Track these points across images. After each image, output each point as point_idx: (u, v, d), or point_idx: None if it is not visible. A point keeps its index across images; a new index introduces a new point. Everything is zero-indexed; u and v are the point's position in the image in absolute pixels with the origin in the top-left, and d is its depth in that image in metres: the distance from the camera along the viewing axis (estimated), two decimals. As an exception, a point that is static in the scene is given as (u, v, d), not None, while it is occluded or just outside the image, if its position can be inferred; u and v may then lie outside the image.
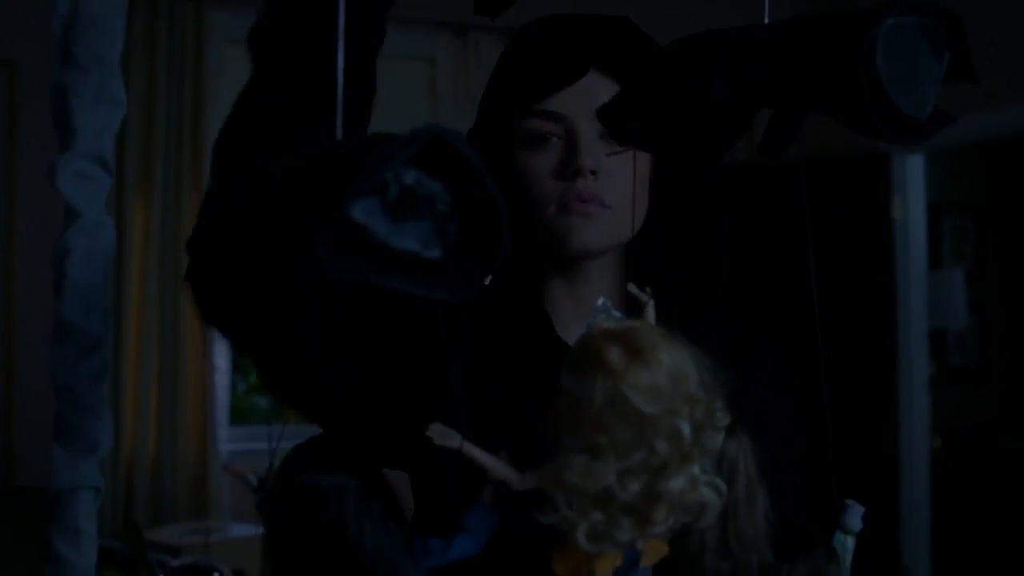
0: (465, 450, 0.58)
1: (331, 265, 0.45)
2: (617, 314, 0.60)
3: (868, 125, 0.55)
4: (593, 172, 0.99)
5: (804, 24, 0.57)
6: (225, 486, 3.74)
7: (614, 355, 0.55)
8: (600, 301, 0.60)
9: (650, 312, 0.64)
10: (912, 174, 4.48)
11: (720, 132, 0.94)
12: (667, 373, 0.56)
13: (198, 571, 1.72)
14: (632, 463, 0.55)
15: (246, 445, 3.99)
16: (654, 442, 0.55)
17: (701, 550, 0.64)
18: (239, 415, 4.21)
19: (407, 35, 4.13)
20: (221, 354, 3.78)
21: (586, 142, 0.99)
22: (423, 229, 0.48)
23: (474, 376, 1.00)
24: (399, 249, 0.49)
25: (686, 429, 0.56)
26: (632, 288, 0.65)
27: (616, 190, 1.00)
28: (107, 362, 0.64)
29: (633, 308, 0.66)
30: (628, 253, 1.07)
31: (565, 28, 1.04)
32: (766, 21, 0.61)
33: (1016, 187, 5.91)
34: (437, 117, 4.14)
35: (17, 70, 3.56)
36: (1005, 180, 5.96)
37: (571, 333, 1.05)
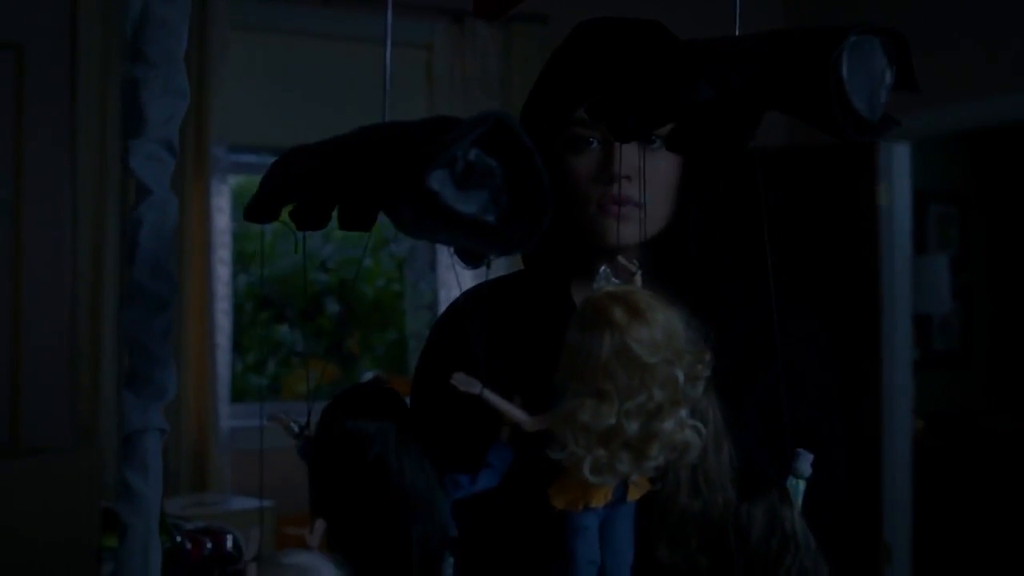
0: (484, 396, 0.69)
1: (411, 226, 0.56)
2: (615, 280, 0.70)
3: (831, 124, 0.65)
4: (627, 177, 1.09)
5: (778, 37, 0.66)
6: (226, 461, 3.83)
7: (618, 313, 0.65)
8: (602, 269, 0.70)
9: (637, 280, 0.73)
10: (898, 162, 4.57)
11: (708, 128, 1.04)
12: (662, 329, 0.66)
13: (212, 532, 1.81)
14: (632, 406, 0.65)
15: (245, 422, 4.09)
16: (652, 388, 0.65)
17: (676, 489, 0.74)
18: (237, 394, 4.30)
19: (405, 22, 4.21)
20: (222, 332, 3.87)
21: (621, 149, 1.09)
22: (482, 197, 0.58)
23: (502, 344, 1.11)
24: (463, 213, 0.59)
25: (680, 377, 0.66)
26: (621, 260, 0.75)
27: (648, 190, 1.10)
28: (171, 320, 0.74)
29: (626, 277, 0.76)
30: (658, 240, 1.17)
31: (597, 38, 1.13)
32: (737, 33, 0.71)
33: (1000, 176, 6.02)
34: (434, 102, 4.22)
35: (24, 52, 3.63)
36: (990, 169, 6.06)
37: None
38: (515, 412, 0.69)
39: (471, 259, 0.64)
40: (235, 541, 1.88)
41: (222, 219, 3.88)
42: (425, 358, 1.28)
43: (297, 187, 0.69)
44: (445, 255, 4.44)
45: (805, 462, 0.77)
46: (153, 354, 0.72)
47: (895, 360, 4.60)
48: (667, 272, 1.12)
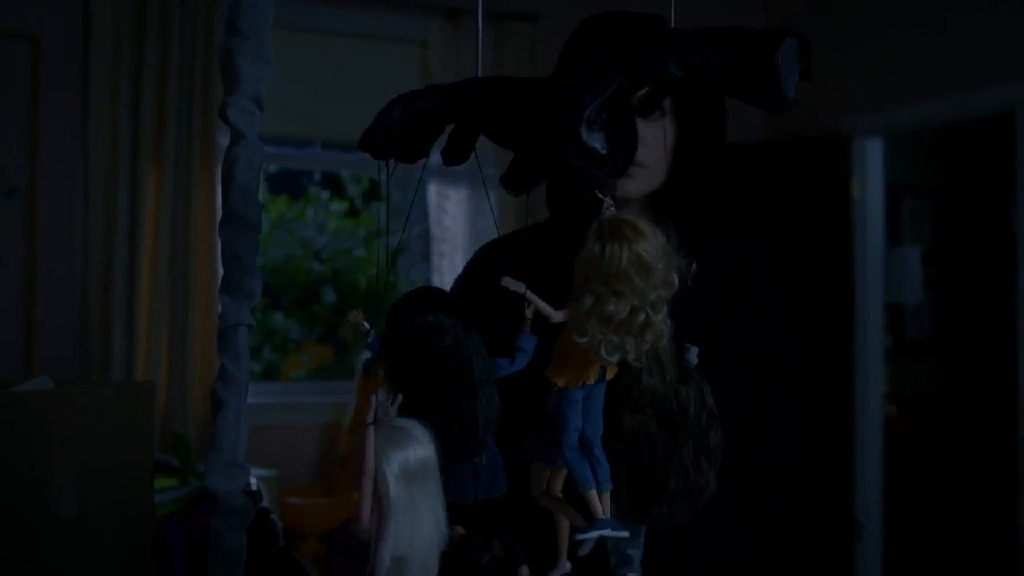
0: (527, 295, 0.89)
1: (570, 155, 0.77)
2: (612, 209, 0.90)
3: (766, 102, 0.87)
4: None
5: (733, 33, 0.88)
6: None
7: (628, 230, 0.85)
8: (606, 201, 0.90)
9: (610, 213, 0.93)
10: (871, 156, 4.77)
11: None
12: (655, 245, 0.86)
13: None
14: (640, 301, 0.85)
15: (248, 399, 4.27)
16: (656, 288, 0.86)
17: (641, 370, 0.96)
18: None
19: (402, 19, 4.42)
20: (226, 313, 4.05)
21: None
22: (600, 136, 0.79)
23: (538, 268, 1.34)
24: (591, 146, 0.80)
25: (676, 280, 0.87)
26: (599, 195, 0.95)
27: (650, 153, 1.34)
28: (258, 237, 0.93)
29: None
30: (656, 194, 1.41)
31: (605, 28, 1.35)
32: (672, 26, 0.93)
33: (972, 171, 6.23)
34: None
35: (40, 45, 3.81)
36: (962, 165, 6.28)
37: None
38: (547, 308, 0.89)
39: (517, 188, 0.84)
40: (256, 485, 2.08)
41: (227, 205, 4.06)
42: (465, 276, 1.51)
43: (416, 123, 0.89)
44: (437, 244, 4.61)
45: (692, 354, 0.99)
46: (245, 264, 0.91)
47: (867, 346, 4.79)
48: (661, 219, 1.33)
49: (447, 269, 4.56)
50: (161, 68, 3.91)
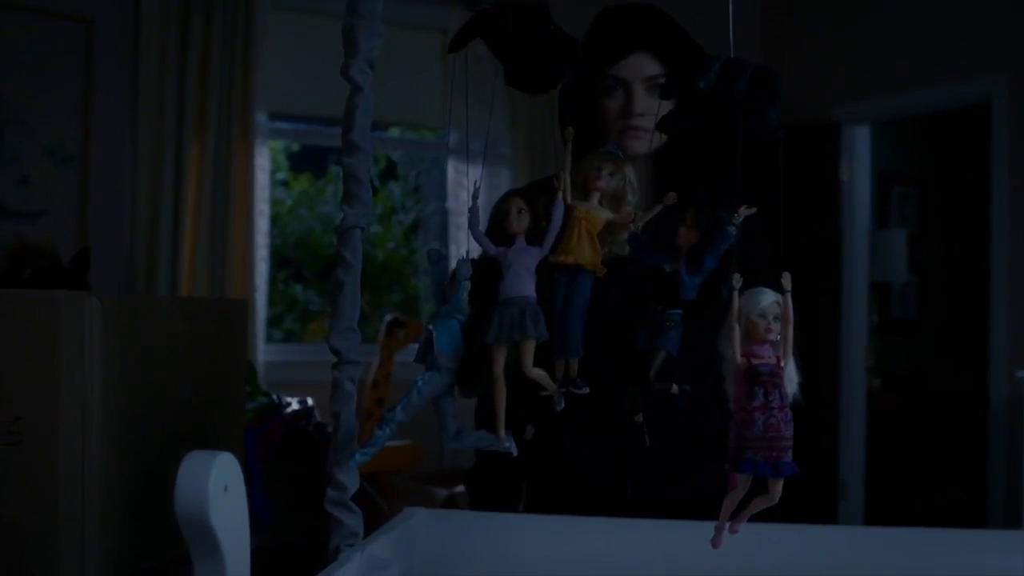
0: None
1: None
2: (619, 152, 1.24)
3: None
4: (640, 114, 1.64)
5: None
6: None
7: (626, 159, 1.19)
8: (608, 143, 1.23)
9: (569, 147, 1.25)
10: (859, 142, 5.09)
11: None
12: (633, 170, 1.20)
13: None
14: (632, 199, 1.19)
15: (277, 357, 4.61)
16: (637, 188, 1.20)
17: None
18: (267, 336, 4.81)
19: (423, 8, 4.74)
20: (260, 276, 4.39)
21: (638, 95, 1.65)
22: None
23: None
24: None
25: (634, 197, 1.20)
26: (570, 132, 1.26)
27: (652, 120, 1.65)
28: (370, 161, 1.27)
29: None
30: (658, 152, 1.71)
31: (617, 19, 1.67)
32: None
33: (956, 161, 6.54)
34: (449, 82, 4.73)
35: (94, 26, 4.14)
36: (947, 155, 6.59)
37: None
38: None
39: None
40: (312, 404, 2.39)
41: (262, 177, 4.39)
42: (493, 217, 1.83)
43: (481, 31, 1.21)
44: (454, 218, 4.91)
45: None
46: (361, 181, 1.25)
47: (853, 322, 5.12)
48: (663, 173, 1.67)
49: (463, 241, 4.85)
50: (205, 48, 4.24)
